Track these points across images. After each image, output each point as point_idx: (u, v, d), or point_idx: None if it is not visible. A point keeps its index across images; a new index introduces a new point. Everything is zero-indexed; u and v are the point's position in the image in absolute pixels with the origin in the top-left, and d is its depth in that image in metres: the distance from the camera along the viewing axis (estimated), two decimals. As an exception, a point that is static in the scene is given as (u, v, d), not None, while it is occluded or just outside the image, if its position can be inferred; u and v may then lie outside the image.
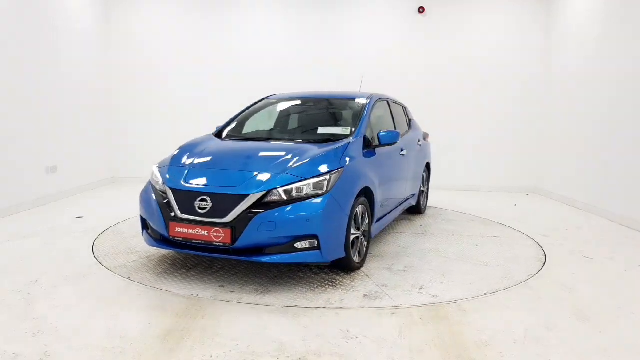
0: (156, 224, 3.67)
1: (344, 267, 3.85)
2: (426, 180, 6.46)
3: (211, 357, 2.57)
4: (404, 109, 6.09)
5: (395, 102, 5.71)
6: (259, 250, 3.41)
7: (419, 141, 5.97)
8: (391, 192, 4.80)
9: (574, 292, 3.66)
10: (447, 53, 8.45)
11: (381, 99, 5.18)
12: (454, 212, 6.55)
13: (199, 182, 3.61)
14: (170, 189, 3.63)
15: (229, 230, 3.35)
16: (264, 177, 3.51)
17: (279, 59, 8.51)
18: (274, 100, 5.26)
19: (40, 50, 6.45)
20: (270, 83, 8.18)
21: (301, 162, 3.64)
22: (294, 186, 3.45)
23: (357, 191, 3.77)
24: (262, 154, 3.95)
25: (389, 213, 4.89)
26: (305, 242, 3.41)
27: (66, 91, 7.11)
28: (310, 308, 3.23)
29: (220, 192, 3.46)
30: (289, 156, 3.74)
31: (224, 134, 4.75)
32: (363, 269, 4.03)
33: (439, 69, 8.50)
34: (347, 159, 3.81)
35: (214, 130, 4.93)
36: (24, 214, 5.91)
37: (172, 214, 3.54)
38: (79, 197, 7.12)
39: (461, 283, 3.76)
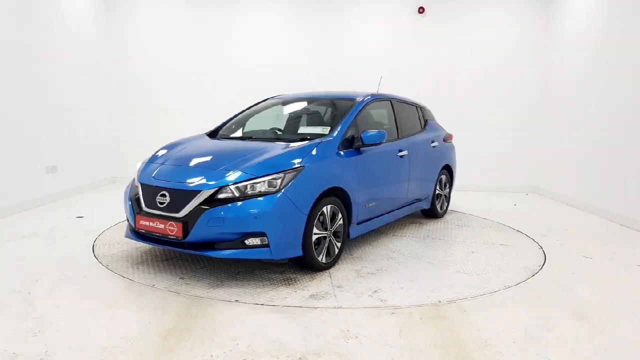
0: (128, 216, 3.96)
1: (307, 266, 3.86)
2: (447, 183, 6.19)
3: (211, 356, 2.57)
4: (420, 109, 5.92)
5: (405, 102, 5.58)
6: (211, 245, 3.51)
7: (432, 142, 5.72)
8: (383, 194, 4.71)
9: (574, 292, 3.66)
10: (446, 53, 8.45)
11: (380, 99, 5.10)
12: (466, 214, 6.54)
13: (163, 178, 3.79)
14: (141, 184, 3.88)
15: (180, 225, 3.50)
16: (219, 174, 3.62)
17: (279, 59, 8.51)
18: (273, 102, 5.38)
19: (40, 51, 6.45)
20: (271, 84, 8.19)
21: (258, 161, 3.72)
22: (246, 184, 3.52)
23: (320, 191, 3.76)
24: (229, 152, 4.06)
25: (382, 215, 4.80)
26: (255, 239, 3.48)
27: (66, 91, 7.11)
28: (311, 308, 3.23)
29: (177, 188, 3.62)
30: (252, 155, 3.83)
31: (217, 133, 4.93)
32: (332, 269, 4.01)
33: (438, 68, 8.50)
34: (311, 159, 3.81)
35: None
36: (24, 214, 5.91)
37: (139, 208, 3.79)
38: (79, 197, 7.12)
39: (422, 290, 3.59)
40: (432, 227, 5.62)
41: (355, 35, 8.49)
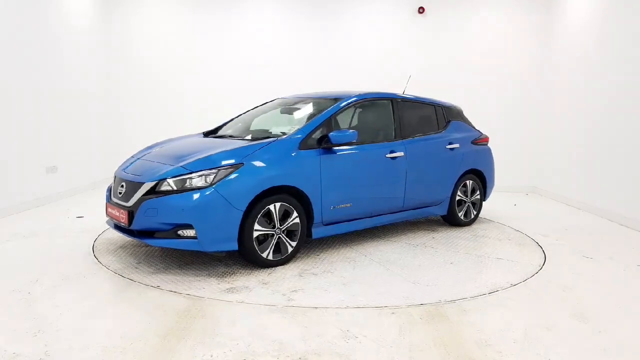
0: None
1: (250, 261, 3.96)
2: (475, 189, 5.71)
3: (211, 356, 2.57)
4: (442, 108, 5.56)
5: (417, 102, 5.33)
6: (152, 233, 3.78)
7: (451, 144, 5.34)
8: (362, 196, 4.56)
9: (574, 292, 3.66)
10: (446, 53, 8.44)
11: (375, 98, 4.96)
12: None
13: (129, 172, 4.14)
14: (114, 176, 4.36)
15: (127, 213, 3.84)
16: (164, 169, 3.88)
17: (279, 59, 8.50)
18: (274, 103, 5.44)
19: (40, 51, 6.45)
20: (271, 84, 8.22)
21: (200, 157, 3.90)
22: (182, 178, 3.74)
23: (261, 188, 3.81)
24: (192, 149, 4.20)
25: (364, 219, 4.67)
26: (186, 230, 3.67)
27: (66, 91, 7.11)
28: (311, 308, 3.24)
29: (131, 180, 3.98)
30: (203, 151, 4.03)
31: (211, 133, 5.10)
32: (281, 267, 4.02)
33: (438, 68, 8.50)
34: (254, 157, 3.88)
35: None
36: (24, 214, 5.91)
37: (109, 197, 4.25)
38: (79, 197, 7.13)
39: (344, 295, 3.48)
40: (441, 234, 5.24)
41: (355, 35, 8.48)
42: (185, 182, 3.72)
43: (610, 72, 6.37)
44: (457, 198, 5.50)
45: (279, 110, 5.22)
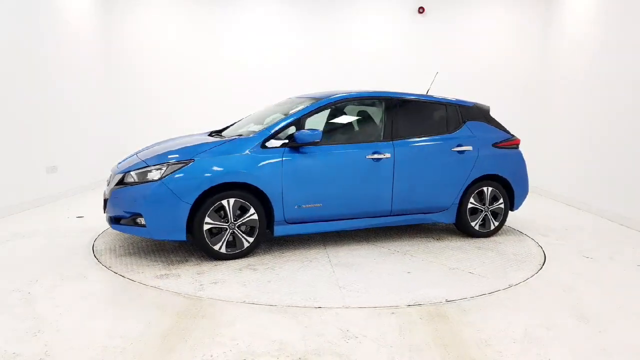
0: None
1: (205, 252, 4.18)
2: (497, 197, 5.13)
3: (211, 356, 2.57)
4: (453, 108, 5.12)
5: (423, 101, 5.02)
6: (118, 220, 4.20)
7: (459, 146, 4.92)
8: (335, 197, 4.47)
9: (574, 292, 3.66)
10: (446, 53, 8.45)
11: (365, 97, 4.85)
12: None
13: (119, 166, 4.52)
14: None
15: (104, 201, 4.34)
16: (135, 163, 4.28)
17: (279, 59, 8.51)
18: (280, 101, 5.49)
19: (40, 51, 6.45)
20: (273, 84, 8.22)
21: (160, 153, 4.28)
22: (140, 171, 4.11)
23: (211, 184, 4.00)
24: (175, 146, 4.45)
25: (338, 220, 4.57)
26: (141, 218, 4.03)
27: (66, 91, 7.11)
28: (311, 307, 3.24)
29: (115, 173, 4.37)
30: (174, 148, 4.35)
31: (216, 132, 5.19)
32: (233, 260, 4.17)
33: (438, 68, 8.48)
34: (208, 154, 4.11)
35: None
36: (24, 214, 5.91)
37: None
38: (79, 197, 7.12)
39: (265, 291, 3.50)
40: (435, 244, 4.82)
41: (354, 35, 8.49)
42: (146, 175, 4.06)
43: (610, 71, 6.37)
44: (470, 206, 5.03)
45: (285, 108, 5.21)
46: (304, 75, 8.42)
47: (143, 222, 4.00)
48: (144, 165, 4.12)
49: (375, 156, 4.59)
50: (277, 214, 4.29)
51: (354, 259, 4.35)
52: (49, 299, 3.30)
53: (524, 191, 5.42)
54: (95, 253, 4.37)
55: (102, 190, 7.70)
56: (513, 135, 5.41)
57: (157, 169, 4.05)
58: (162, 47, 8.54)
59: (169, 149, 4.34)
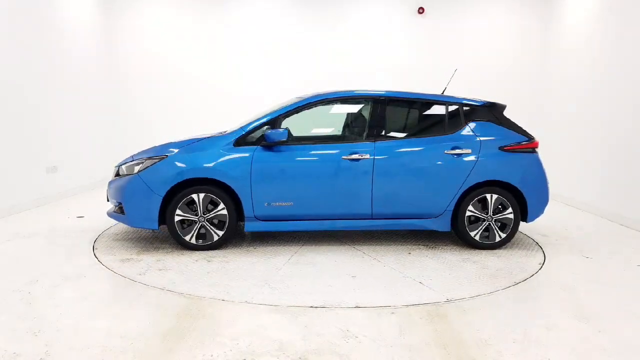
0: None
1: (177, 242, 4.45)
2: (506, 205, 4.59)
3: (211, 356, 2.58)
4: (457, 107, 4.76)
5: (416, 101, 4.78)
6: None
7: (455, 149, 4.53)
8: (306, 197, 4.44)
9: (574, 292, 3.66)
10: (446, 53, 8.45)
11: (349, 97, 4.77)
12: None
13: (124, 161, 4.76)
14: None
15: (106, 192, 4.81)
16: (128, 157, 4.65)
17: (279, 59, 8.52)
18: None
19: (40, 51, 6.45)
20: (272, 84, 8.21)
21: (147, 148, 4.65)
22: (129, 165, 4.48)
23: (180, 178, 4.28)
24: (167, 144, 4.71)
25: (311, 220, 4.52)
26: (123, 207, 4.41)
27: (66, 91, 7.11)
28: (311, 307, 3.24)
29: (117, 165, 4.71)
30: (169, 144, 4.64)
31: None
32: (201, 252, 4.39)
33: (437, 69, 8.48)
34: (183, 150, 4.41)
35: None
36: (24, 214, 5.91)
37: None
38: (79, 197, 7.13)
39: (208, 284, 3.58)
40: (426, 251, 4.53)
41: (354, 35, 8.49)
42: (133, 169, 4.42)
43: (610, 71, 6.37)
44: (468, 214, 4.59)
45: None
46: (304, 76, 8.43)
47: (125, 211, 4.39)
48: (131, 160, 4.53)
49: (353, 157, 4.43)
50: (247, 210, 4.43)
51: (318, 258, 4.29)
52: (49, 299, 3.30)
53: (541, 201, 4.72)
54: (95, 253, 4.37)
55: (102, 190, 7.75)
56: (531, 138, 4.73)
57: (138, 164, 4.42)
58: (163, 48, 8.54)
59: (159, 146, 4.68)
